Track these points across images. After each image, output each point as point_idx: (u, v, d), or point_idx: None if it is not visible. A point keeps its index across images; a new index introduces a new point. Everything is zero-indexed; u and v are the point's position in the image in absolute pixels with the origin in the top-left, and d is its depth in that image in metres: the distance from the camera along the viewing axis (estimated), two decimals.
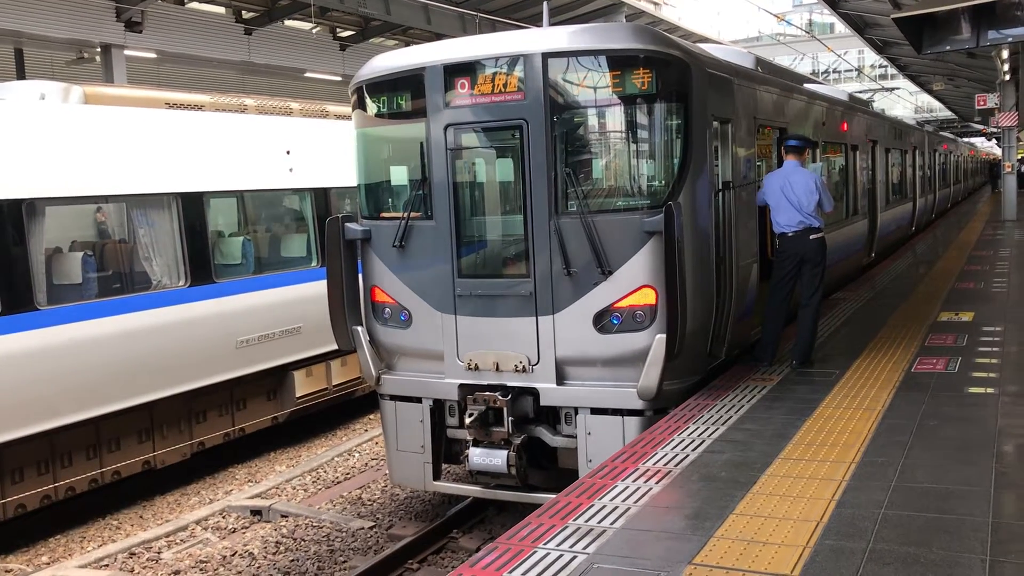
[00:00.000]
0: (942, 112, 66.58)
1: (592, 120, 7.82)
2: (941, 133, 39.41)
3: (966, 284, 13.68)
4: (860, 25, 25.09)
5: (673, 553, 4.45)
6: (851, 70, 61.34)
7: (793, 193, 8.33)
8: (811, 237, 8.38)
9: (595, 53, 7.48)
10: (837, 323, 10.76)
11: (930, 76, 37.85)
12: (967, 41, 9.36)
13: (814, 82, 25.75)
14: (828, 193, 8.47)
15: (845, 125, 14.14)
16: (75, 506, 9.72)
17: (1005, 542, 4.35)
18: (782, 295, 8.57)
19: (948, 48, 9.69)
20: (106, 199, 9.99)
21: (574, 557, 4.48)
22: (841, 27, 26.19)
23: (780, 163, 9.39)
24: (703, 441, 6.31)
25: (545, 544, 4.67)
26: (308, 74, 22.08)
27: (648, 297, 7.31)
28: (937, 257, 17.85)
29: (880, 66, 61.99)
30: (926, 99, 62.56)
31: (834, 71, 66.05)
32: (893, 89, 40.54)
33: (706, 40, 28.77)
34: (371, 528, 8.91)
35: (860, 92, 33.07)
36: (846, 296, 13.02)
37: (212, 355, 10.56)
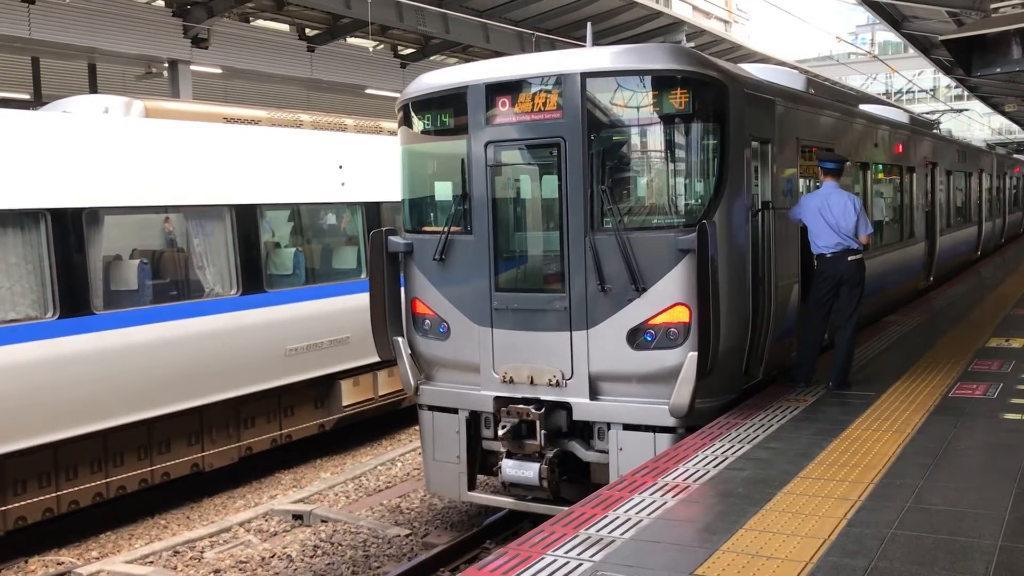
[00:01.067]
0: (1021, 134, 64.78)
1: (629, 139, 7.94)
2: (1016, 156, 38.43)
3: (1023, 310, 13.40)
4: (926, 45, 24.65)
5: (677, 564, 4.52)
6: (924, 91, 60.17)
7: (831, 214, 8.32)
8: (849, 259, 8.34)
9: (632, 73, 7.60)
10: (883, 346, 10.65)
11: (1002, 97, 36.95)
12: (1017, 63, 9.24)
13: (880, 103, 25.40)
14: (866, 218, 8.43)
15: (900, 147, 13.98)
16: (125, 504, 10.07)
17: (1008, 564, 4.34)
18: (819, 316, 8.55)
19: (998, 70, 9.57)
20: (164, 209, 10.39)
21: (580, 564, 4.58)
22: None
23: None
24: (726, 458, 6.35)
25: (554, 551, 4.78)
26: (369, 90, 22.55)
27: (682, 315, 7.37)
28: (999, 283, 17.48)
29: (956, 86, 60.65)
30: (1006, 121, 60.96)
31: (907, 92, 64.83)
32: (962, 110, 39.60)
33: (768, 60, 28.61)
34: (407, 536, 9.08)
35: (928, 113, 32.50)
36: (898, 320, 12.85)
37: (262, 362, 10.87)
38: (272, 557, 8.76)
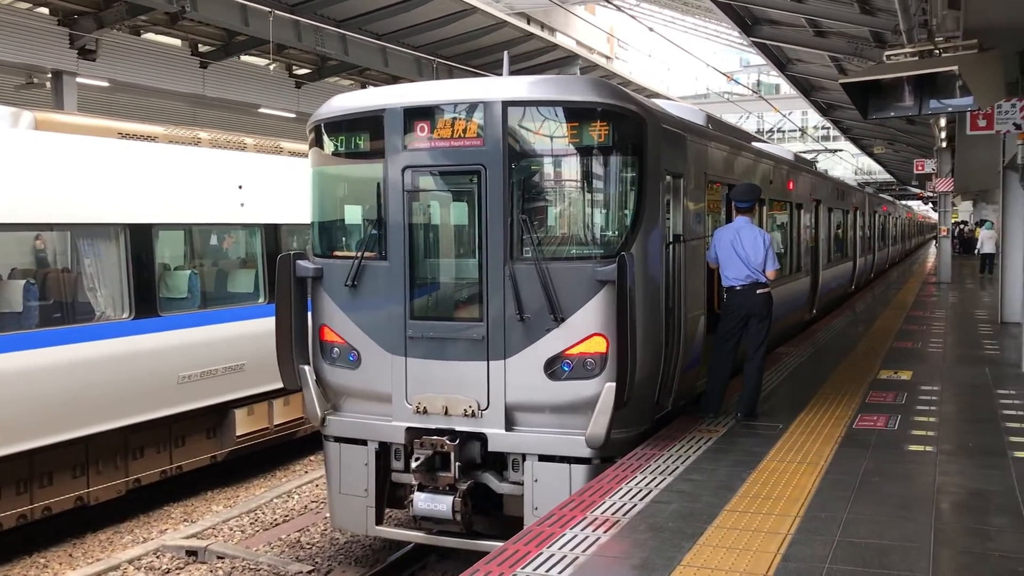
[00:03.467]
0: (881, 175, 68.43)
1: (549, 169, 7.93)
2: (880, 195, 40.49)
3: (904, 343, 14.01)
4: (807, 88, 25.82)
5: None
6: (795, 130, 62.94)
7: (742, 248, 8.51)
8: (758, 292, 8.54)
9: (554, 104, 7.61)
10: (780, 377, 10.93)
11: (872, 140, 38.97)
12: (910, 109, 9.67)
13: (761, 141, 26.34)
14: (774, 253, 8.66)
15: (791, 184, 14.48)
16: (1, 543, 9.38)
17: None
18: (728, 347, 8.70)
19: (892, 114, 10.00)
20: (52, 227, 9.82)
21: None
22: (787, 88, 27.23)
23: (729, 219, 9.60)
24: (650, 491, 6.34)
25: None
26: (262, 110, 22.05)
27: (599, 345, 7.36)
28: (876, 316, 18.26)
29: (823, 127, 63.78)
30: (866, 161, 64.30)
31: (779, 130, 67.70)
32: (837, 151, 41.58)
33: (657, 95, 29.35)
34: (309, 572, 8.74)
35: (805, 152, 33.91)
36: (789, 351, 13.23)
37: (153, 390, 10.36)
38: None
